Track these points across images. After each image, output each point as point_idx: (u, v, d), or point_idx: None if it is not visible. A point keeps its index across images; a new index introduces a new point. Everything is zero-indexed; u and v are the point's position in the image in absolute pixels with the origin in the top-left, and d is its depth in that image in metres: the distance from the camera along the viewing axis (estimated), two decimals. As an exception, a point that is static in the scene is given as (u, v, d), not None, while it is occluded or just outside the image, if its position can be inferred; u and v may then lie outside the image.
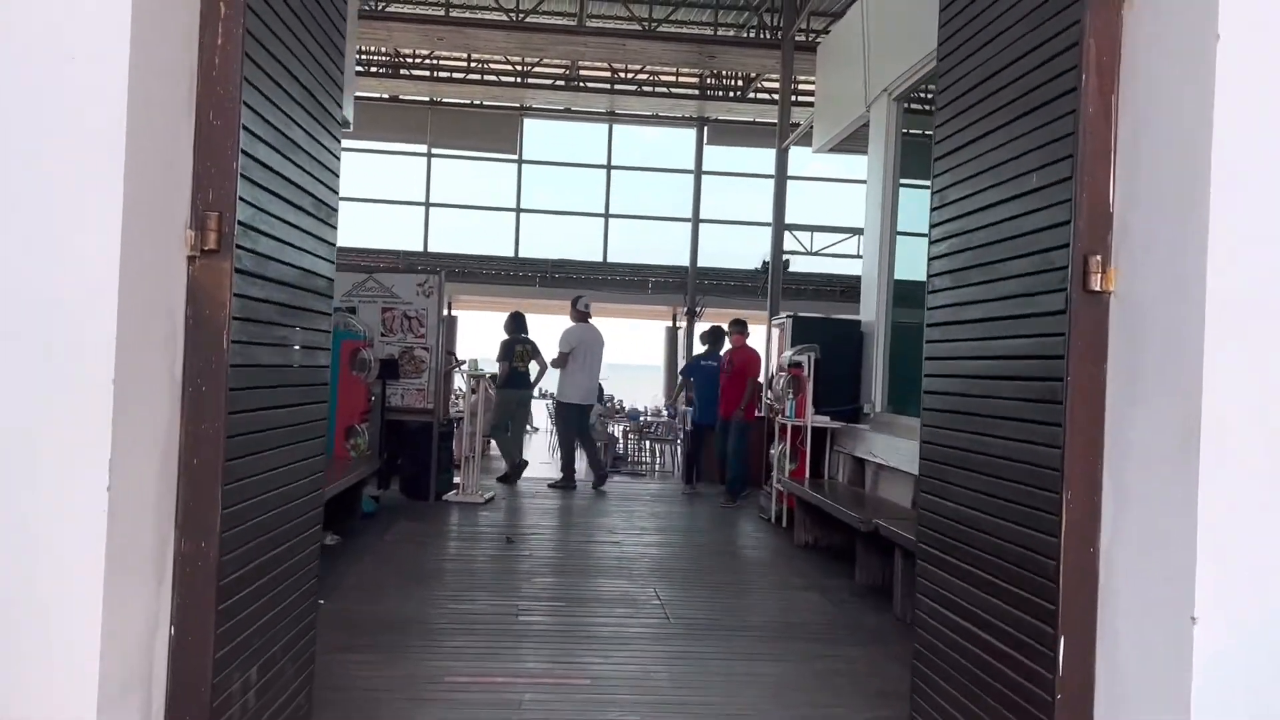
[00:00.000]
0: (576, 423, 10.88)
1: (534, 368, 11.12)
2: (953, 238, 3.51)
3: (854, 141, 11.36)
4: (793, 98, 15.65)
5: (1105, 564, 2.65)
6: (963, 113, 3.43)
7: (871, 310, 9.40)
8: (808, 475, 8.72)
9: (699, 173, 22.91)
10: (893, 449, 7.30)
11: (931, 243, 3.73)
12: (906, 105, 9.32)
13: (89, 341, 2.17)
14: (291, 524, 3.12)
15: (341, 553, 6.81)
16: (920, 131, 9.90)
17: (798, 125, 15.79)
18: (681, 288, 22.91)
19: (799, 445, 8.91)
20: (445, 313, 23.31)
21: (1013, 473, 2.93)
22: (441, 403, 9.44)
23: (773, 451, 9.33)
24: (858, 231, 21.92)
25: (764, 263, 16.07)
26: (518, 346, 10.77)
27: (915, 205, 9.71)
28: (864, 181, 23.13)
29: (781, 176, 15.00)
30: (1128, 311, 2.63)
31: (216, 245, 2.53)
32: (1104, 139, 2.68)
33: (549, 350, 11.01)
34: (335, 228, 3.55)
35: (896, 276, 9.24)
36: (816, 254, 18.83)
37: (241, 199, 2.59)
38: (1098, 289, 2.67)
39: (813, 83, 19.36)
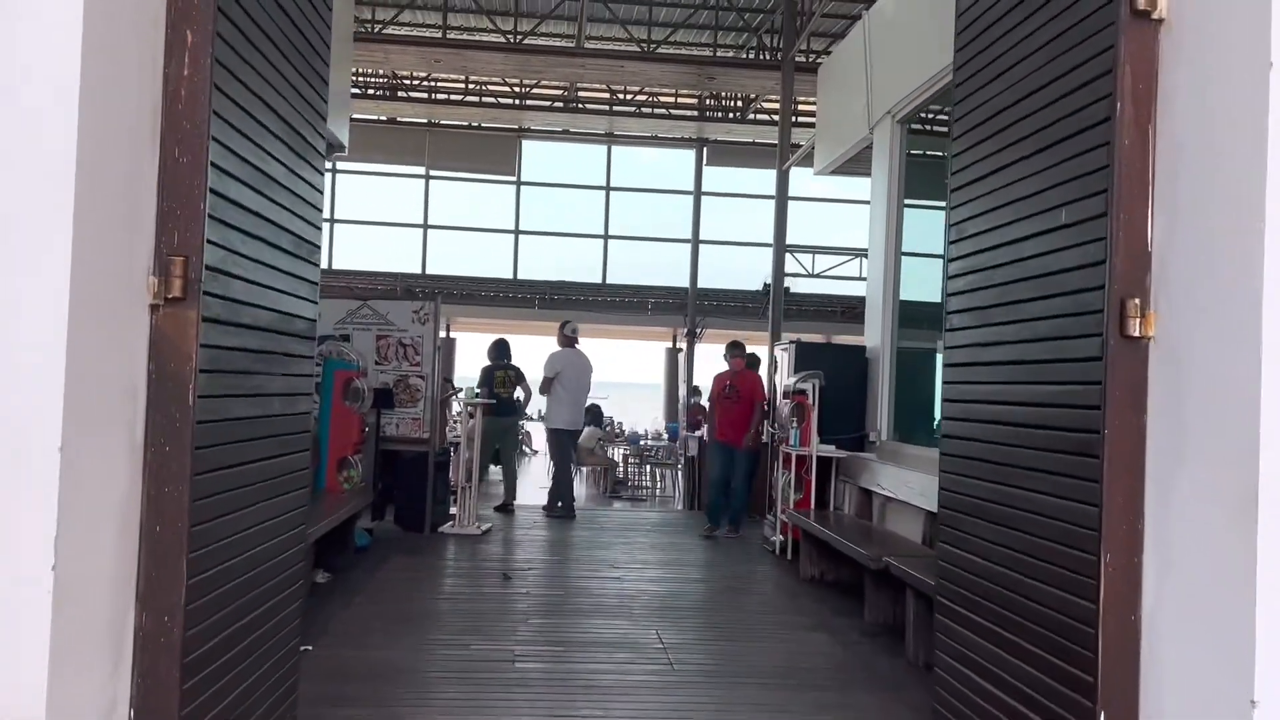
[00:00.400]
0: (565, 445, 10.72)
1: (521, 394, 10.95)
2: (973, 274, 3.31)
3: (856, 163, 11.20)
4: (793, 119, 15.52)
5: (1149, 634, 2.44)
6: (982, 142, 3.24)
7: (876, 335, 9.21)
8: (813, 506, 8.50)
9: (698, 193, 22.79)
10: (901, 481, 7.09)
11: (949, 277, 3.54)
12: (910, 127, 9.15)
13: (32, 405, 1.96)
14: (269, 585, 2.90)
15: (332, 591, 6.59)
16: (924, 153, 9.74)
17: (798, 146, 15.67)
18: (682, 309, 22.74)
19: (804, 475, 8.70)
20: (444, 335, 23.05)
21: (1044, 529, 2.72)
22: (437, 432, 9.23)
23: (778, 479, 9.11)
24: (859, 253, 21.80)
25: (765, 284, 15.87)
26: (498, 373, 10.56)
27: (920, 226, 9.54)
28: (865, 202, 22.95)
29: (782, 197, 14.85)
30: (1169, 359, 2.43)
31: (182, 292, 2.33)
32: (1141, 173, 2.49)
33: (536, 375, 10.86)
34: (317, 265, 3.35)
35: (902, 298, 9.05)
36: (819, 276, 18.67)
37: (210, 241, 2.39)
38: (1136, 334, 2.47)
39: (813, 104, 19.25)
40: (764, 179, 23.60)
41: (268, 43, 2.72)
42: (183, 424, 2.32)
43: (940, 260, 9.71)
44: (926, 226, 9.68)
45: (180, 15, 2.32)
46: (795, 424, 8.77)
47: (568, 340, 10.71)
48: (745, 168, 23.17)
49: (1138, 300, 2.47)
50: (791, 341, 9.54)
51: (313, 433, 8.38)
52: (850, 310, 23.36)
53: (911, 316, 9.22)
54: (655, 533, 9.88)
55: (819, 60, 15.04)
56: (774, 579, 7.76)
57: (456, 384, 10.90)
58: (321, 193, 3.34)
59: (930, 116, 9.26)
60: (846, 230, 23.45)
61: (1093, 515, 2.50)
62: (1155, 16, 2.47)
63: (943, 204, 9.92)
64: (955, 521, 3.31)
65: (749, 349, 10.56)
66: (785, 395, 9.08)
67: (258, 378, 2.78)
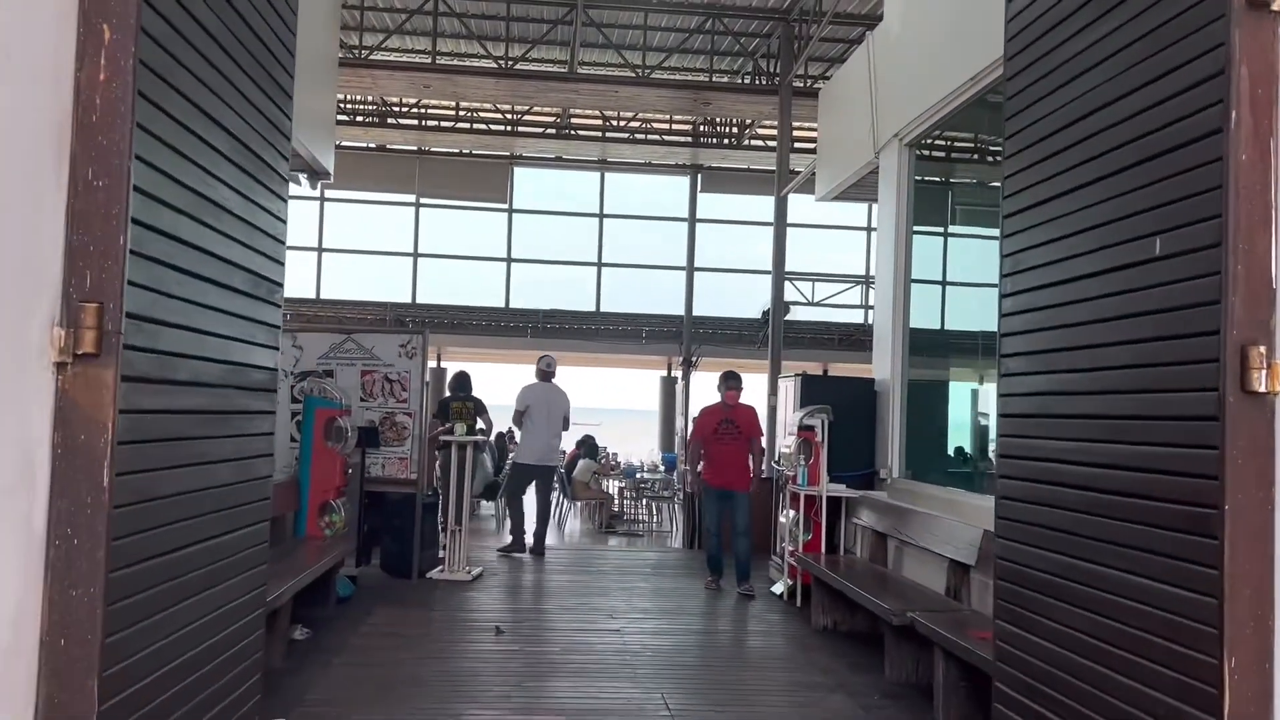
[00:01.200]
0: (538, 483, 10.26)
1: (482, 426, 10.49)
2: (1032, 312, 2.88)
3: (860, 189, 10.83)
4: (790, 144, 15.18)
5: (1287, 758, 2.00)
6: (1043, 161, 2.82)
7: (886, 367, 8.79)
8: (824, 550, 8.04)
9: (693, 220, 22.44)
10: (921, 527, 6.63)
11: (1003, 315, 3.11)
12: (920, 152, 8.78)
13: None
14: (214, 688, 2.44)
15: (310, 651, 6.09)
16: (937, 179, 9.37)
17: (797, 172, 15.32)
18: (677, 337, 22.35)
19: (813, 516, 8.24)
20: (435, 365, 22.52)
21: (1144, 620, 2.28)
22: (425, 473, 8.75)
23: (782, 520, 8.65)
24: (859, 280, 21.43)
25: (764, 313, 15.46)
26: (454, 404, 10.10)
27: (930, 253, 9.15)
28: (862, 228, 22.60)
29: (781, 224, 14.48)
30: (1304, 419, 2.00)
31: (95, 347, 1.88)
32: (1262, 193, 2.06)
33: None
34: (279, 306, 2.91)
35: (912, 325, 8.64)
36: (819, 304, 18.30)
37: (134, 283, 1.95)
38: (1261, 389, 2.04)
39: (810, 129, 18.94)
40: (759, 205, 23.29)
41: (212, 45, 2.28)
42: (95, 510, 1.87)
43: (953, 288, 9.33)
44: (936, 253, 9.29)
45: (95, 6, 1.88)
46: (803, 461, 8.32)
47: (543, 374, 10.32)
48: (740, 194, 22.87)
49: (1263, 348, 2.04)
50: (796, 374, 9.10)
51: (293, 475, 7.93)
52: (848, 338, 23.00)
53: (923, 347, 8.82)
54: (655, 576, 9.39)
55: (817, 85, 14.71)
56: (784, 629, 7.28)
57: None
58: (284, 222, 2.90)
59: (939, 141, 8.90)
60: (843, 256, 23.14)
61: (1210, 609, 2.06)
62: (1276, 7, 2.06)
63: (954, 229, 9.53)
64: (1019, 598, 2.86)
65: (746, 379, 10.10)
66: (790, 430, 8.63)
67: (199, 444, 2.33)
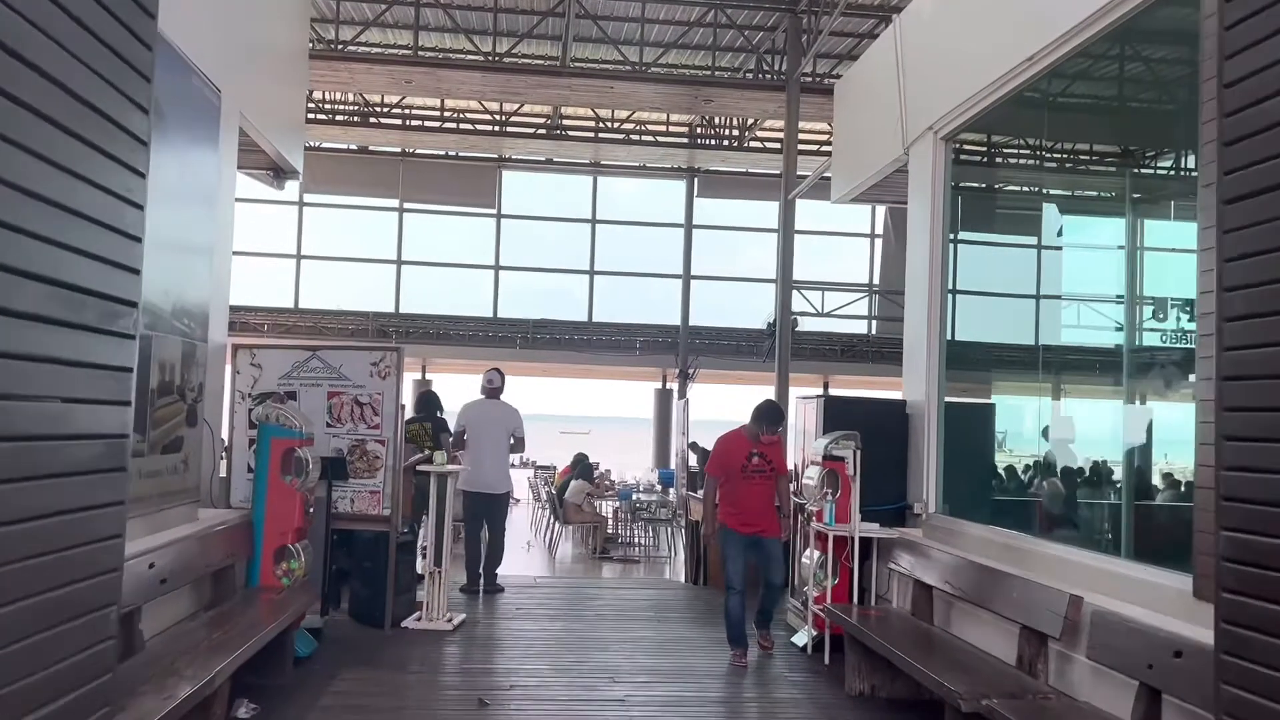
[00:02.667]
0: (487, 515, 9.22)
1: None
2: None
3: (883, 190, 9.88)
4: (797, 144, 14.23)
5: None
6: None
7: (919, 387, 7.82)
8: (855, 599, 7.06)
9: (689, 226, 21.53)
10: (983, 583, 5.63)
11: (1226, 319, 2.13)
12: (958, 147, 7.82)
13: None
14: None
15: (256, 735, 5.09)
16: (977, 179, 8.43)
17: (804, 176, 14.36)
18: (672, 348, 21.42)
19: (842, 559, 7.25)
20: (419, 377, 21.60)
21: None
22: (400, 508, 7.72)
23: (804, 561, 7.65)
24: (869, 290, 20.44)
25: (769, 324, 14.50)
26: (411, 426, 9.11)
27: (971, 258, 8.20)
28: (865, 235, 21.62)
29: (788, 230, 13.52)
30: None
31: None
32: None
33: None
34: (133, 337, 1.90)
35: (951, 339, 7.68)
36: (829, 315, 17.37)
37: None
38: None
39: (816, 131, 18.04)
40: (759, 211, 22.38)
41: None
42: None
43: (993, 299, 8.37)
44: (978, 261, 8.34)
45: None
46: (830, 496, 7.34)
47: (486, 390, 9.31)
48: (739, 199, 21.95)
49: None
50: (819, 395, 8.11)
51: (244, 516, 6.90)
52: (851, 349, 22.06)
53: (962, 364, 7.86)
54: (658, 622, 8.39)
55: (828, 80, 13.79)
56: (814, 695, 6.29)
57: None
58: (141, 208, 1.89)
59: (981, 135, 7.95)
60: (843, 264, 22.22)
61: None
62: None
63: (996, 234, 8.55)
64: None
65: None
66: (813, 460, 7.65)
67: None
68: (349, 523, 7.66)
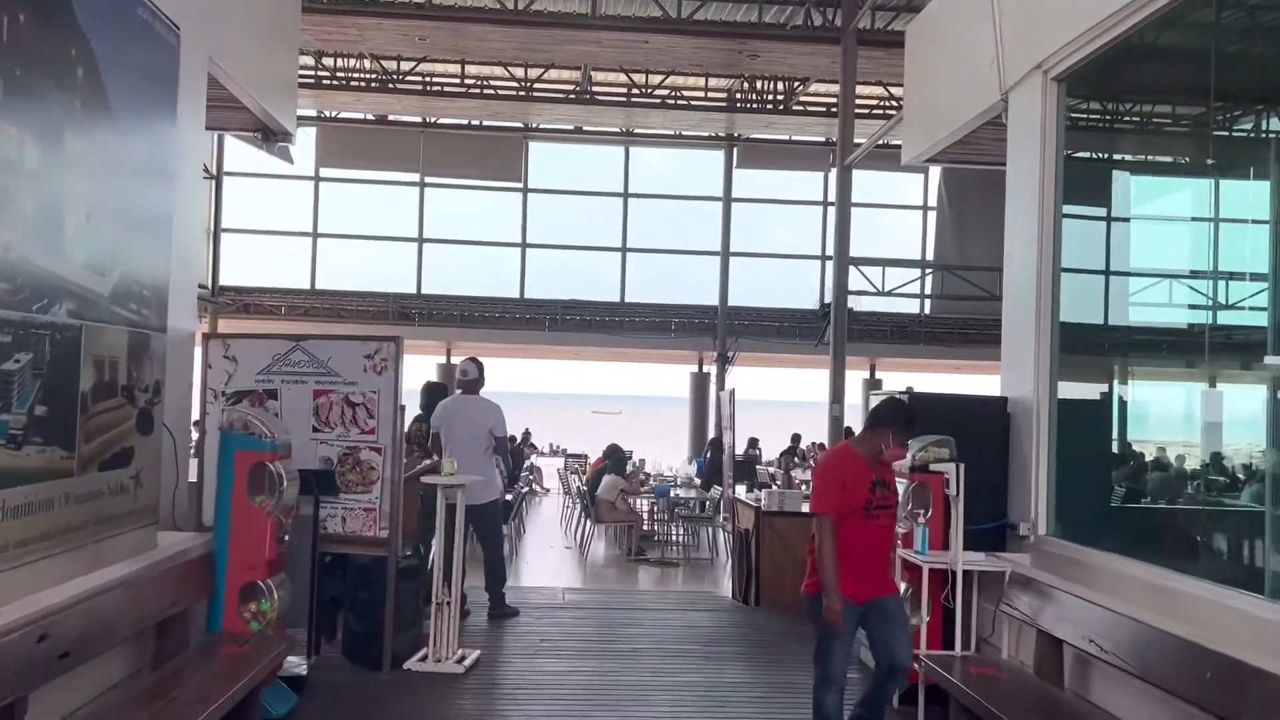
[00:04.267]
0: (474, 529, 7.89)
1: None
2: None
3: (966, 148, 8.48)
4: (853, 104, 12.78)
5: None
6: None
7: (1024, 381, 6.45)
8: (960, 647, 5.72)
9: (728, 200, 20.13)
10: (1140, 650, 4.27)
11: None
12: (1076, 92, 6.39)
13: None
14: None
15: None
16: (1100, 119, 7.00)
17: (859, 144, 12.92)
18: (710, 330, 20.13)
19: (937, 596, 5.91)
20: (445, 360, 20.34)
21: None
22: (399, 528, 6.46)
23: (887, 596, 6.31)
24: (931, 266, 18.90)
25: (825, 304, 13.12)
26: (412, 426, 7.90)
27: (1086, 232, 6.79)
28: (916, 207, 20.08)
29: (844, 201, 12.10)
30: None
31: None
32: None
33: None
34: None
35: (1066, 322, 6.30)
36: (891, 294, 15.95)
37: None
38: None
39: (870, 95, 16.55)
40: (802, 183, 20.94)
41: None
42: None
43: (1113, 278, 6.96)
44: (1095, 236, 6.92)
45: None
46: (921, 517, 6.01)
47: (461, 384, 8.01)
48: (782, 170, 20.52)
49: None
50: (903, 392, 6.75)
51: (206, 547, 5.68)
52: (901, 330, 20.59)
53: (1081, 351, 6.49)
54: (706, 659, 7.08)
55: (889, 31, 12.32)
56: (910, 774, 4.99)
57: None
58: None
59: (1108, 75, 6.50)
60: (893, 239, 20.74)
61: None
62: None
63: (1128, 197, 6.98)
64: None
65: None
66: (900, 472, 6.30)
67: None
68: (340, 545, 6.43)
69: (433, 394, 8.17)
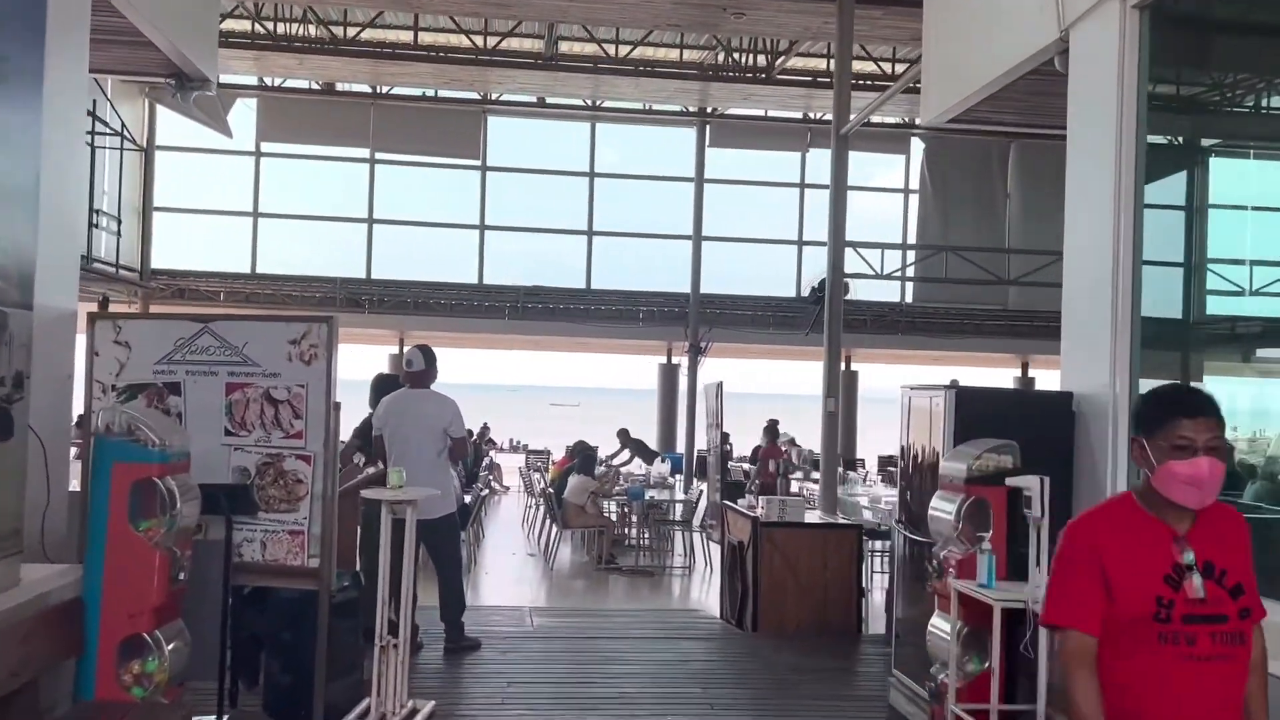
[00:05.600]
0: (425, 546, 6.61)
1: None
2: None
3: (999, 104, 7.37)
4: (850, 66, 11.59)
5: None
6: None
7: (1098, 374, 5.35)
8: (1046, 708, 4.59)
9: (700, 180, 18.95)
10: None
11: None
12: (1166, 24, 5.27)
13: None
14: None
15: None
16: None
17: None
18: (681, 319, 18.93)
19: (1009, 642, 4.77)
20: (397, 350, 18.79)
21: None
22: (331, 554, 5.20)
23: (935, 631, 5.18)
24: (934, 249, 17.76)
25: (815, 289, 12.00)
26: (350, 442, 6.75)
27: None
28: (898, 190, 18.96)
29: (840, 177, 10.95)
30: None
31: None
32: None
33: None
34: None
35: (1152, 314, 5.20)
36: (890, 278, 14.85)
37: None
38: None
39: (860, 70, 15.39)
40: (779, 164, 19.83)
41: None
42: None
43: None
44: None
45: None
46: (985, 542, 4.88)
47: (409, 377, 6.76)
48: (757, 149, 19.38)
49: None
50: (948, 386, 5.61)
51: (74, 589, 4.30)
52: (881, 319, 19.51)
53: (1168, 343, 5.40)
54: (711, 708, 5.92)
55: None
56: None
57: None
58: None
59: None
60: (871, 223, 19.72)
61: None
62: None
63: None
64: None
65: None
66: (949, 482, 5.17)
67: None
68: (260, 576, 5.16)
69: (385, 389, 6.90)
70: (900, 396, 6.13)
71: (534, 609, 8.70)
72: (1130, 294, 5.19)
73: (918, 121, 15.33)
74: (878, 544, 9.88)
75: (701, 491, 11.89)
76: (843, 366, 21.12)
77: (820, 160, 20.10)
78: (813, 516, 8.65)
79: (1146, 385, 5.21)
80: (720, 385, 9.73)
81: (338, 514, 5.26)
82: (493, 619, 7.81)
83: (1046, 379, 23.58)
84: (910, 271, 18.19)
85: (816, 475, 16.39)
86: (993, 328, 19.43)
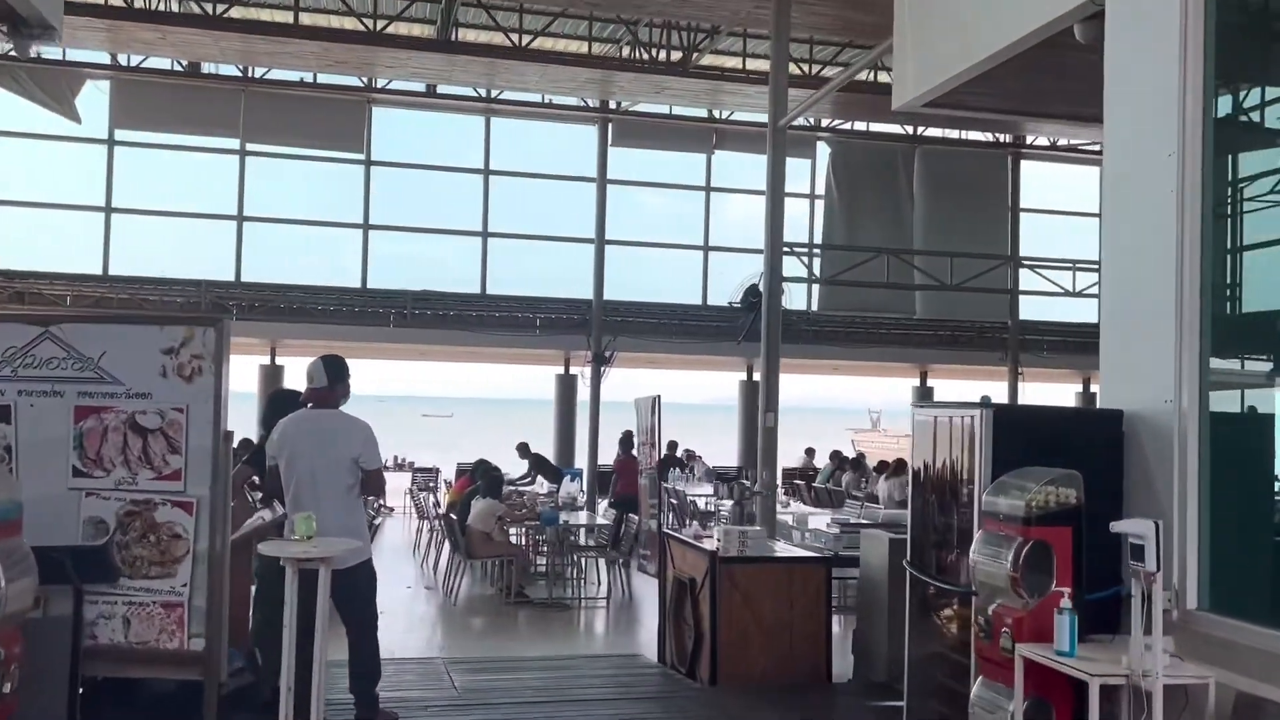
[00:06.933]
0: (334, 599, 5.22)
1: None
2: None
3: (989, 89, 6.57)
4: (788, 48, 10.76)
5: None
6: None
7: (1152, 390, 4.54)
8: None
9: (603, 181, 17.95)
10: None
11: None
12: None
13: None
14: None
15: None
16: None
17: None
18: (582, 326, 17.88)
19: (1052, 700, 3.90)
20: (269, 362, 17.03)
21: None
22: (223, 630, 3.93)
23: (985, 704, 4.26)
24: (877, 250, 17.02)
25: (749, 293, 11.11)
26: (237, 470, 5.47)
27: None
28: (804, 195, 18.36)
29: (777, 173, 10.09)
30: None
31: None
32: None
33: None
34: None
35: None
36: (833, 282, 14.05)
37: None
38: None
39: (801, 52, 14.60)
40: (683, 165, 19.01)
41: None
42: None
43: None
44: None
45: None
46: (1055, 595, 3.99)
47: (318, 395, 5.39)
48: (661, 150, 18.49)
49: None
50: (983, 403, 4.71)
51: None
52: (789, 328, 18.80)
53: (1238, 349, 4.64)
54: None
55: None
56: None
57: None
58: None
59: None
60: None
61: None
62: None
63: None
64: None
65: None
66: (999, 520, 4.27)
67: None
68: (121, 664, 3.88)
69: (282, 409, 5.57)
70: (911, 415, 5.22)
71: (450, 662, 7.47)
72: (1196, 290, 4.40)
73: (835, 123, 14.65)
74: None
75: (633, 518, 10.79)
76: (744, 376, 20.54)
77: (726, 163, 19.42)
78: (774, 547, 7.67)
79: (1224, 401, 4.45)
80: (657, 399, 8.71)
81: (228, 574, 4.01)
82: (405, 679, 6.57)
83: (945, 389, 23.52)
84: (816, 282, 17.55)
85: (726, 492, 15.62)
86: (897, 337, 19.10)
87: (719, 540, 7.07)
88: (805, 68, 15.10)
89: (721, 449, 21.61)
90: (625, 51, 14.61)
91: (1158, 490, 4.50)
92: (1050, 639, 4.01)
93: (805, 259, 15.49)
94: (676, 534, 7.89)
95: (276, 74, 16.30)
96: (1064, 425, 4.85)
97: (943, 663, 5.11)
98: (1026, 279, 17.40)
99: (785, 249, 10.30)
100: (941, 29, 6.58)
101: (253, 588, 4.98)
